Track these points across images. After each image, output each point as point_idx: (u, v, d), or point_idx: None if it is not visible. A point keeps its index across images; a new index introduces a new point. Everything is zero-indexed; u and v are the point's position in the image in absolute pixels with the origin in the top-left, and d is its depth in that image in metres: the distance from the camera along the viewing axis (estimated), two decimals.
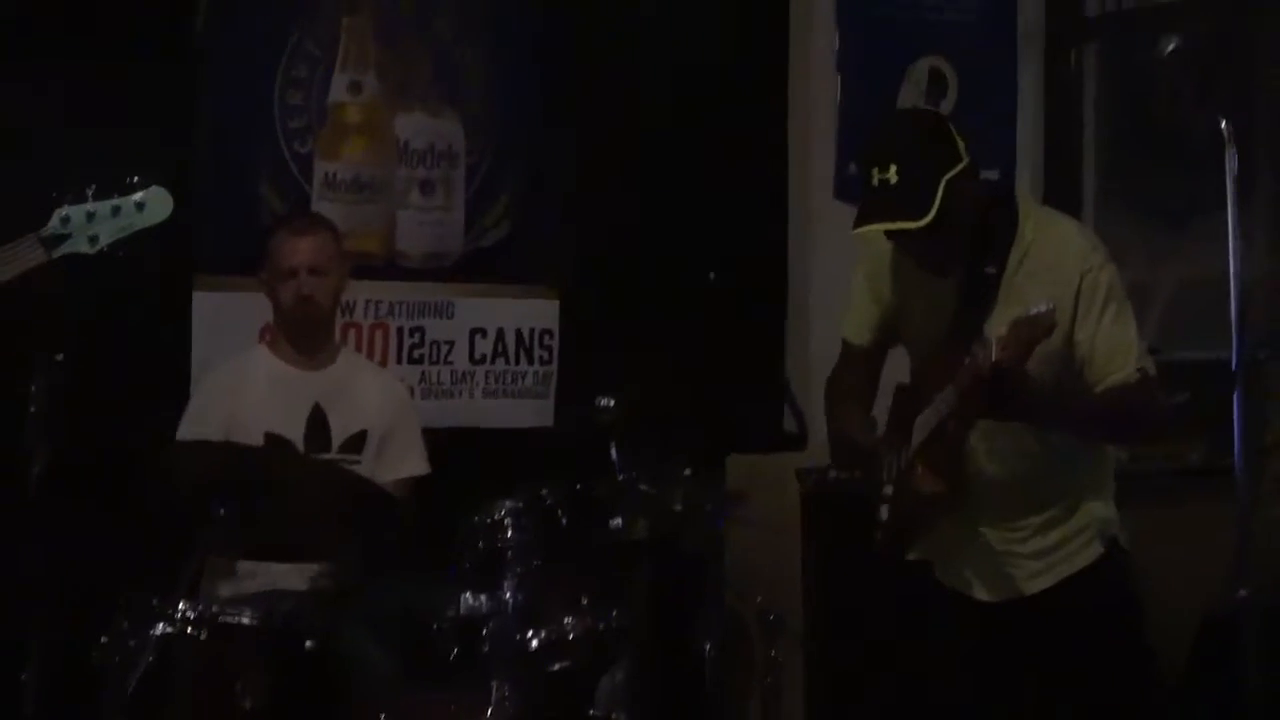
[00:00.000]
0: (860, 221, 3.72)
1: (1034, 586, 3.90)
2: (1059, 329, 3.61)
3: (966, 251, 3.84)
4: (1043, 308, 3.43)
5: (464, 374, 5.68)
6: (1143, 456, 5.28)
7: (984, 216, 3.84)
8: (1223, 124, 4.27)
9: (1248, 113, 6.24)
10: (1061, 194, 6.21)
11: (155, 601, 4.03)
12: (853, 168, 4.25)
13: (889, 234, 3.77)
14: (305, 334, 4.76)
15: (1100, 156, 6.41)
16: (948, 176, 3.65)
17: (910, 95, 6.10)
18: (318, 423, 4.74)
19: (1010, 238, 3.83)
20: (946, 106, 6.09)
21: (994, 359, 3.44)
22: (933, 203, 3.59)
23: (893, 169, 3.68)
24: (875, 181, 3.71)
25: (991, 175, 5.97)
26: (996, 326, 3.56)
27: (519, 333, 5.76)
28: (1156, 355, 5.76)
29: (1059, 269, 3.77)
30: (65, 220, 3.60)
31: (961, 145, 3.77)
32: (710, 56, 5.87)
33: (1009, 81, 6.28)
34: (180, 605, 4.02)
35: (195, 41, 5.31)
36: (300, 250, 4.69)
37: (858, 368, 4.18)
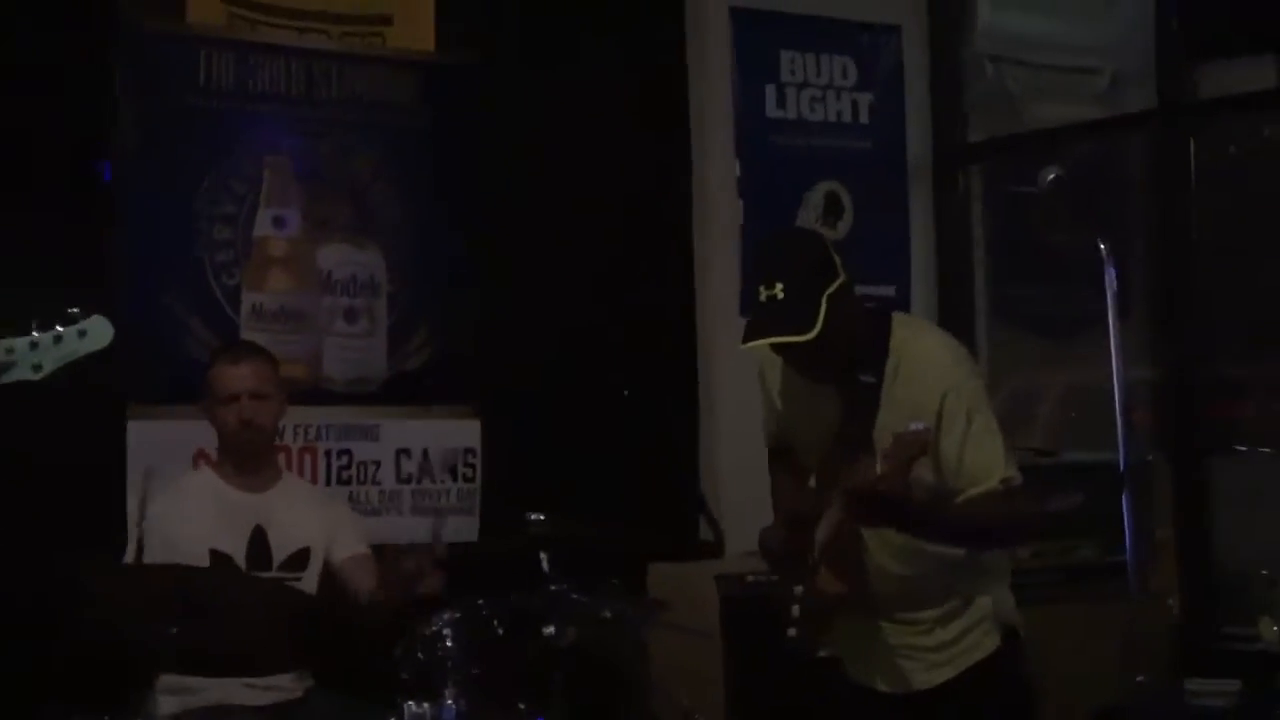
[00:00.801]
0: (749, 335, 3.77)
1: (936, 678, 3.93)
2: (929, 443, 3.71)
3: (845, 362, 3.86)
4: (918, 426, 3.56)
5: (391, 493, 5.66)
6: (1040, 554, 5.36)
7: (859, 329, 3.89)
8: (1101, 245, 4.44)
9: (1124, 232, 6.45)
10: (954, 308, 6.41)
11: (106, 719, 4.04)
12: None
13: (775, 347, 3.83)
14: (249, 456, 4.75)
15: (990, 272, 6.52)
16: (828, 292, 3.70)
17: (807, 217, 6.19)
18: (258, 543, 4.69)
19: (885, 349, 3.87)
20: (843, 228, 6.25)
21: (874, 478, 3.54)
22: (817, 317, 3.65)
23: (779, 286, 3.73)
24: (763, 298, 3.75)
25: (888, 291, 6.36)
26: (881, 432, 3.66)
27: (443, 453, 5.75)
28: (1050, 458, 5.92)
29: (927, 381, 3.82)
30: (9, 350, 3.50)
31: (838, 262, 3.83)
32: (617, 186, 5.92)
33: (901, 204, 6.38)
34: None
35: (109, 180, 5.31)
36: (240, 376, 4.70)
37: (777, 468, 4.24)
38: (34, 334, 3.53)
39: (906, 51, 6.38)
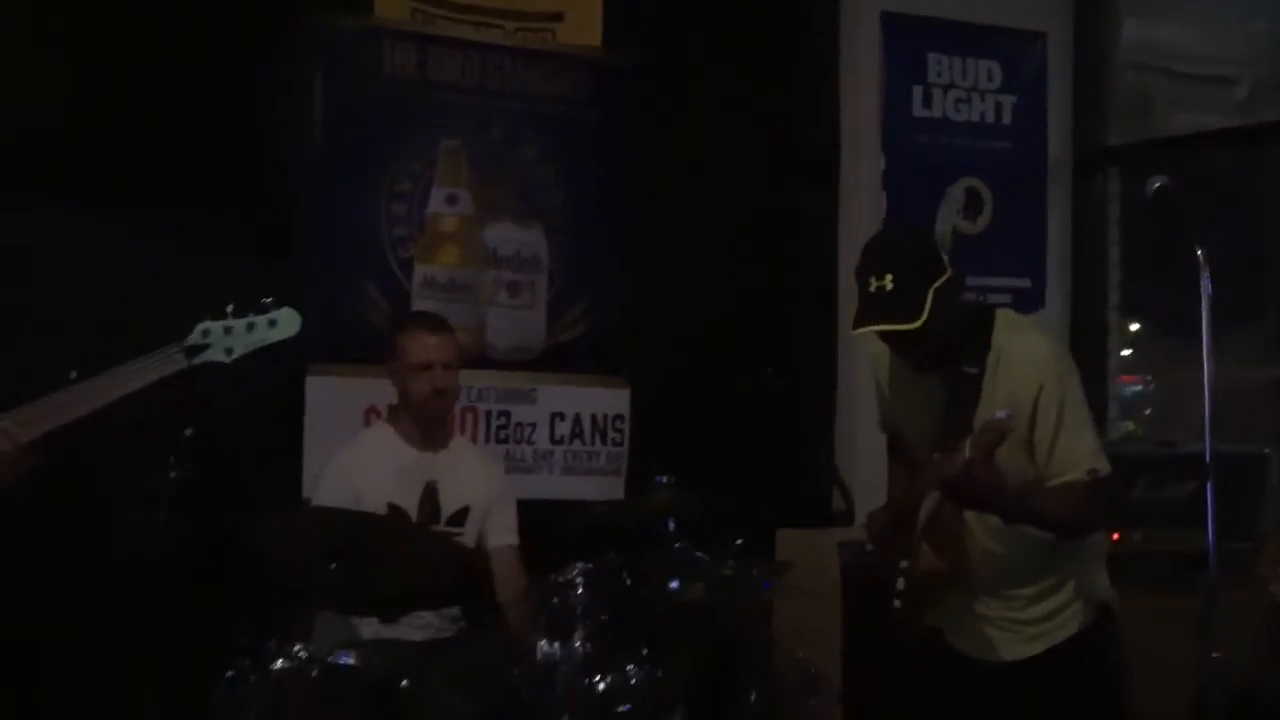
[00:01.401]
0: (859, 323, 3.74)
1: (1029, 651, 3.89)
2: (1021, 433, 3.69)
3: (950, 353, 3.84)
4: (1001, 415, 3.51)
5: (544, 453, 5.71)
6: (1150, 539, 5.22)
7: (964, 323, 3.86)
8: (1199, 252, 4.29)
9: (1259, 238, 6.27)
10: (1088, 303, 6.31)
11: (273, 645, 4.03)
12: None
13: (883, 335, 3.80)
14: (434, 421, 4.80)
15: (1124, 271, 6.37)
16: (935, 285, 3.68)
17: (948, 212, 6.12)
18: (429, 499, 4.72)
19: (987, 343, 3.83)
20: (982, 223, 6.16)
21: (964, 462, 3.50)
22: (924, 308, 3.63)
23: (888, 278, 3.70)
24: (873, 288, 3.72)
25: (1023, 284, 6.31)
26: (980, 421, 3.62)
27: (594, 417, 5.78)
28: (1170, 448, 5.74)
29: (1024, 375, 3.78)
30: (205, 333, 3.64)
31: (945, 259, 3.82)
32: (767, 176, 5.90)
33: (1039, 202, 6.27)
34: (297, 647, 4.05)
35: (316, 159, 5.37)
36: (436, 346, 4.74)
37: (892, 456, 4.22)
38: (229, 320, 3.62)
39: (1051, 57, 6.25)
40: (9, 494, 3.64)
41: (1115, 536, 4.96)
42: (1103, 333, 6.23)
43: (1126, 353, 7.04)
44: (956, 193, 6.08)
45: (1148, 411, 7.28)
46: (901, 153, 6.06)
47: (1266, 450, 5.67)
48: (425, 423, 4.80)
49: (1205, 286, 3.93)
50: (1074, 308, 6.26)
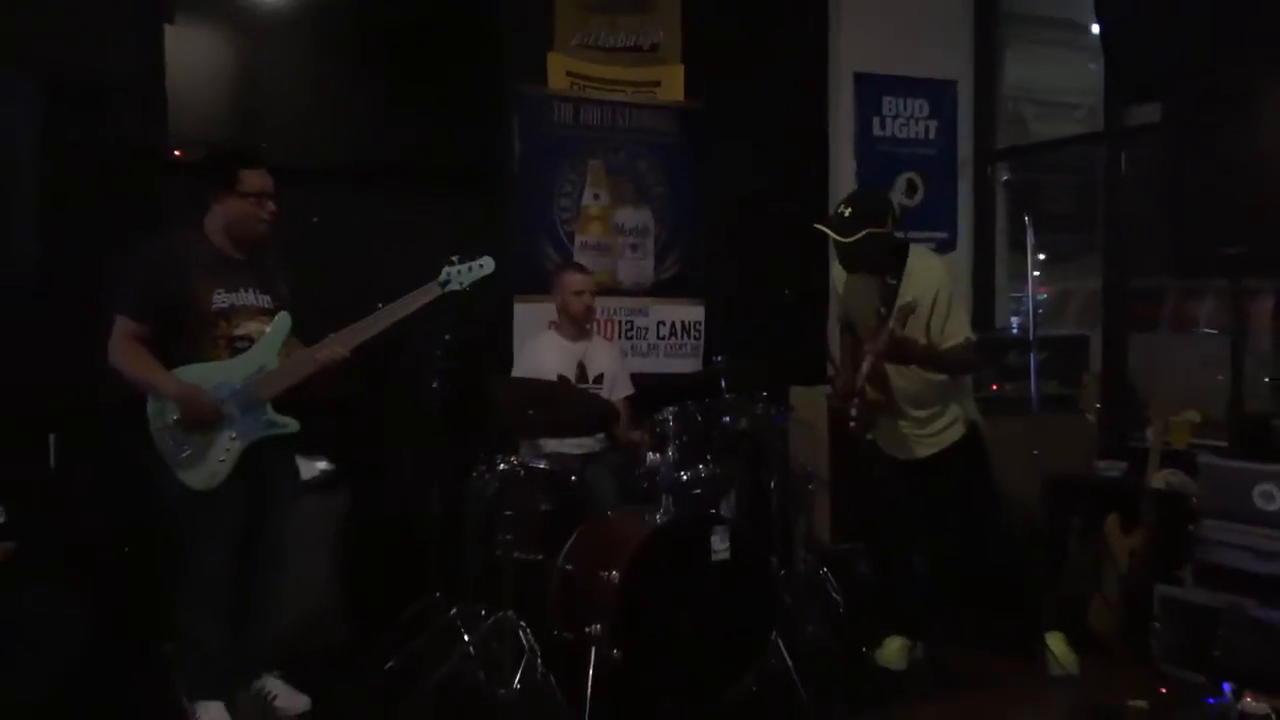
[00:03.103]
0: (819, 223, 4.02)
1: (928, 450, 4.19)
2: (924, 318, 3.93)
3: (876, 268, 4.03)
4: (907, 299, 3.79)
5: (652, 345, 5.77)
6: (1017, 388, 5.16)
7: (892, 253, 4.07)
8: (1025, 217, 4.53)
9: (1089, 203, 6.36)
10: (982, 247, 6.27)
11: (499, 457, 4.30)
12: None
13: (829, 237, 3.98)
14: (581, 325, 4.90)
15: (1005, 225, 6.29)
16: (870, 228, 3.93)
17: (896, 193, 6.11)
18: (580, 370, 4.84)
19: (903, 264, 4.04)
20: (917, 199, 6.19)
21: (888, 333, 3.80)
22: (854, 236, 3.92)
23: (847, 210, 4.00)
24: (836, 210, 4.04)
25: (943, 236, 6.25)
26: (897, 312, 3.79)
27: (683, 324, 5.83)
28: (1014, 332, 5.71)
29: (926, 284, 3.98)
30: (448, 274, 3.80)
31: (890, 217, 4.04)
32: (784, 172, 5.90)
33: (952, 185, 6.27)
34: (512, 458, 4.31)
35: (515, 173, 5.42)
36: (585, 282, 4.89)
37: (843, 336, 4.45)
38: (459, 264, 3.84)
39: (960, 95, 6.22)
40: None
41: (995, 386, 5.25)
42: (990, 265, 6.20)
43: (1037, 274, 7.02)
44: (901, 181, 6.15)
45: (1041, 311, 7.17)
46: (867, 157, 6.09)
47: (1088, 333, 5.80)
48: (576, 325, 4.87)
49: (1030, 236, 4.34)
50: (974, 250, 6.28)
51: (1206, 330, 5.92)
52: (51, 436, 4.26)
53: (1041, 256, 6.74)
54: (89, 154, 4.35)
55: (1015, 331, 6.16)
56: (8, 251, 4.09)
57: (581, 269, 5.06)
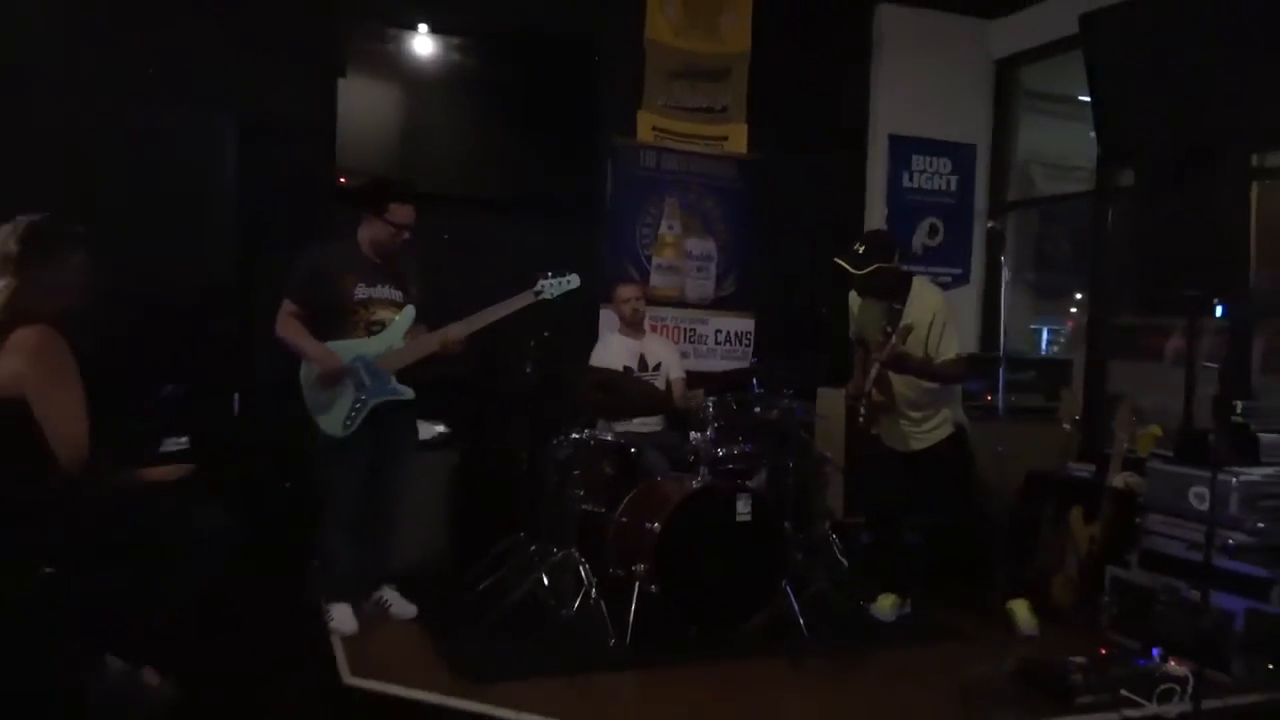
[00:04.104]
0: (837, 257, 3.98)
1: (922, 444, 4.18)
2: (923, 338, 3.96)
3: (884, 294, 4.02)
4: (906, 322, 3.85)
5: (711, 349, 5.77)
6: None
7: (897, 283, 4.07)
8: (1001, 259, 4.44)
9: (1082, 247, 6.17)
10: (991, 283, 6.14)
11: (575, 430, 4.34)
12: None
13: (843, 269, 3.95)
14: (636, 326, 4.95)
15: (1012, 264, 6.07)
16: (880, 263, 3.95)
17: (920, 235, 6.08)
18: (641, 360, 4.90)
19: (907, 293, 4.06)
20: (938, 240, 6.11)
21: (891, 345, 3.84)
22: (865, 269, 3.93)
23: (863, 247, 4.00)
24: (853, 248, 4.00)
25: (959, 272, 6.21)
26: (900, 331, 3.84)
27: (736, 332, 5.84)
28: (995, 353, 5.42)
29: (925, 309, 4.01)
30: (541, 284, 3.91)
31: (896, 253, 4.03)
32: (828, 217, 5.81)
33: (969, 230, 6.22)
34: (584, 431, 4.36)
35: (603, 211, 5.46)
36: (632, 292, 4.95)
37: (856, 349, 4.40)
38: (551, 278, 3.94)
39: (978, 156, 6.15)
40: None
41: (989, 397, 5.06)
42: (997, 299, 5.41)
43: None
44: (924, 225, 6.11)
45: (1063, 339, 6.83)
46: (897, 204, 6.05)
47: (1072, 357, 5.74)
48: (631, 327, 4.91)
49: (1005, 274, 4.18)
50: (984, 285, 6.19)
51: (1208, 364, 5.63)
52: (235, 395, 4.47)
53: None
54: (274, 180, 4.49)
55: (1030, 354, 6.09)
56: (213, 254, 4.33)
57: (632, 281, 5.11)
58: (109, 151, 4.26)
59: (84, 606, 2.59)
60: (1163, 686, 3.39)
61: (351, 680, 3.35)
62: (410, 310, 3.91)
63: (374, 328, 3.86)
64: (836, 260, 3.99)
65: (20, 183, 4.03)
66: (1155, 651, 3.68)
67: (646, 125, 5.59)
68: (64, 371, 2.58)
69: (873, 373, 3.94)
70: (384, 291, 3.91)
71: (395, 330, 3.88)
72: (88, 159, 4.21)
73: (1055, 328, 6.87)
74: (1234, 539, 3.73)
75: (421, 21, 5.04)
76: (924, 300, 4.06)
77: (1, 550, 2.56)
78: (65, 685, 2.59)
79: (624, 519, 4.14)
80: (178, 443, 2.96)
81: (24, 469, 2.54)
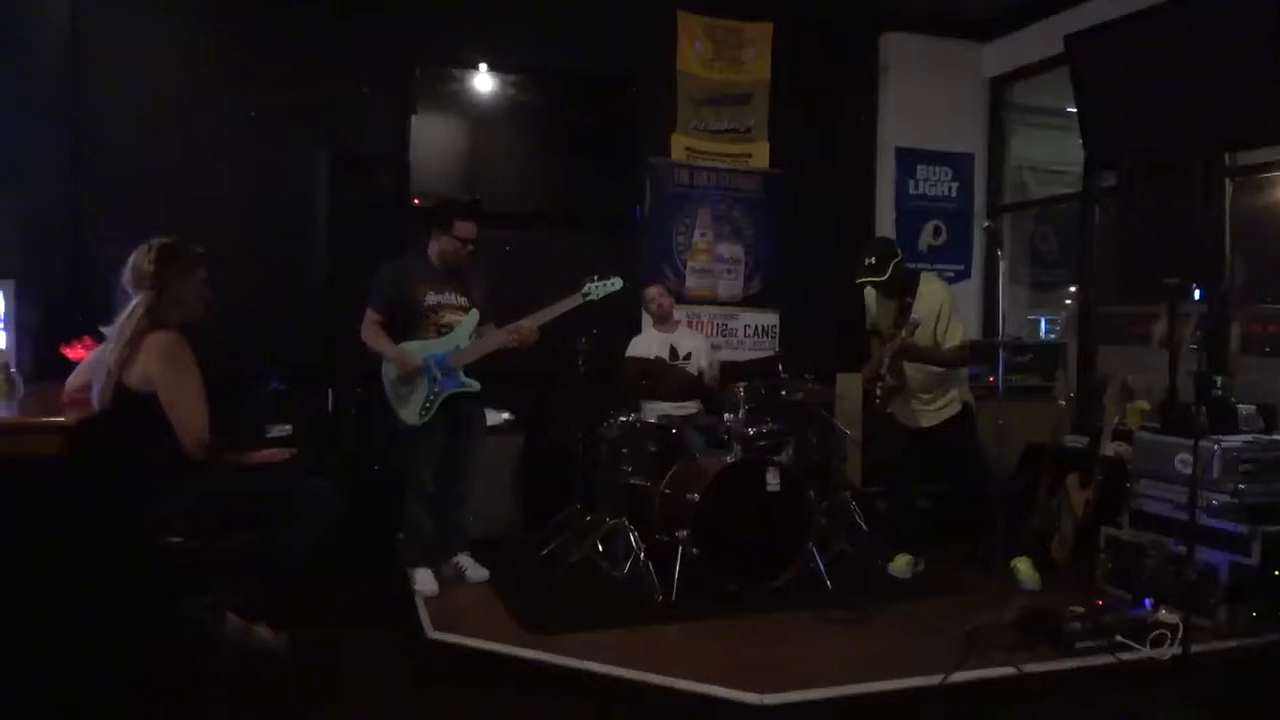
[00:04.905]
0: (857, 277, 4.01)
1: (934, 421, 4.14)
2: (931, 327, 3.95)
3: (898, 290, 4.05)
4: (912, 317, 3.89)
5: (741, 340, 5.72)
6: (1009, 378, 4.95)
7: (905, 278, 4.05)
8: (998, 252, 4.47)
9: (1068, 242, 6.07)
10: (990, 277, 6.05)
11: (622, 414, 4.35)
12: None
13: (868, 283, 4.02)
14: (664, 319, 4.90)
15: (1009, 260, 5.93)
16: (894, 262, 3.96)
17: (925, 236, 6.01)
18: (673, 351, 4.83)
19: (915, 288, 4.05)
20: (941, 240, 6.03)
21: (901, 338, 3.87)
22: (887, 272, 3.94)
23: (872, 259, 3.98)
24: (864, 262, 3.98)
25: (960, 268, 6.08)
26: (910, 320, 3.88)
27: (762, 325, 5.77)
28: (995, 339, 5.31)
29: (932, 301, 4.00)
30: (588, 288, 3.90)
31: (899, 251, 4.01)
32: (839, 222, 5.74)
33: (969, 230, 6.12)
34: (630, 415, 4.37)
35: (643, 222, 5.40)
36: (659, 292, 4.90)
37: (871, 338, 4.32)
38: (597, 281, 3.92)
39: (976, 164, 6.07)
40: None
41: (990, 379, 4.96)
42: (995, 291, 5.76)
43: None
44: (929, 227, 6.04)
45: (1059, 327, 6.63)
46: (904, 209, 6.00)
47: (1065, 340, 5.67)
48: (661, 320, 4.87)
49: (1002, 267, 4.31)
50: (984, 279, 6.08)
51: (1190, 347, 5.52)
52: (329, 390, 4.53)
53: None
54: (359, 202, 4.50)
55: (1020, 339, 5.88)
56: (309, 268, 4.42)
57: (657, 282, 5.02)
58: (224, 183, 4.47)
59: (208, 570, 2.68)
60: (1155, 633, 3.38)
61: (434, 635, 3.40)
62: (474, 314, 3.92)
63: (443, 330, 3.88)
64: (861, 280, 3.96)
65: (151, 210, 4.27)
66: (1147, 602, 3.67)
67: (680, 146, 5.59)
68: (188, 370, 2.69)
69: (887, 359, 3.93)
70: (451, 298, 3.92)
71: (462, 331, 3.90)
72: (209, 191, 4.43)
73: (1052, 317, 6.77)
74: (1216, 500, 3.69)
75: (482, 62, 5.07)
76: (931, 293, 4.04)
77: (137, 521, 2.66)
78: (189, 637, 2.71)
79: (667, 491, 4.13)
80: (282, 430, 3.01)
81: (156, 452, 2.65)
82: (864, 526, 4.74)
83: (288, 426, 3.12)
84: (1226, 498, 3.69)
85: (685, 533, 3.83)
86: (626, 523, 4.11)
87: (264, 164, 4.66)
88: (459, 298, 3.95)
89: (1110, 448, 4.30)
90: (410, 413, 3.83)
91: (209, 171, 4.59)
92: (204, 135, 4.63)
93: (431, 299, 3.88)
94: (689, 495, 3.89)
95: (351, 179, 4.41)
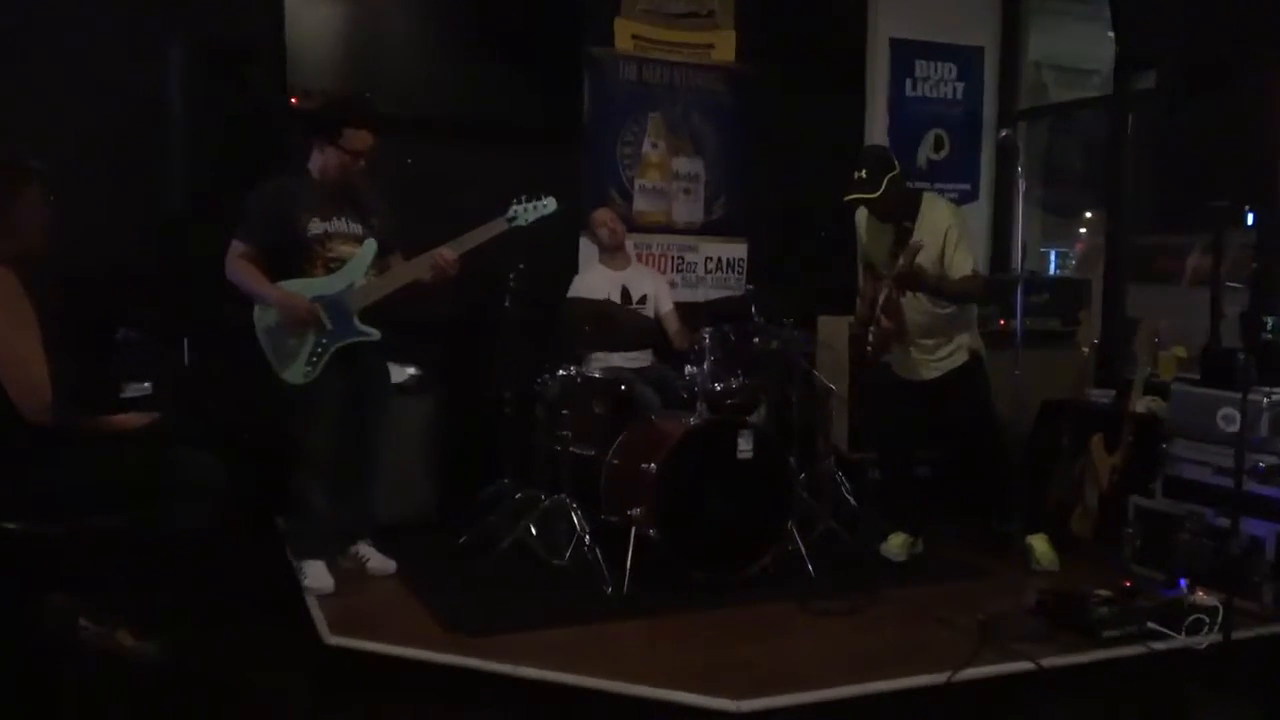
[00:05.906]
0: (846, 194, 4.05)
1: (934, 373, 4.25)
2: (937, 253, 4.00)
3: (895, 213, 4.12)
4: (915, 239, 3.94)
5: (701, 276, 5.80)
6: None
7: (905, 199, 4.12)
8: (1018, 169, 4.52)
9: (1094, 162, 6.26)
10: (1003, 198, 6.17)
11: (561, 367, 4.46)
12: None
13: (860, 201, 4.05)
14: (616, 254, 5.04)
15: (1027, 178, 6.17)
16: (889, 176, 4.00)
17: (924, 148, 6.09)
18: (625, 293, 4.95)
19: (916, 209, 4.12)
20: (943, 154, 6.12)
21: (900, 265, 3.93)
22: (880, 187, 3.97)
23: (863, 171, 4.02)
24: (855, 176, 4.03)
25: (966, 188, 6.21)
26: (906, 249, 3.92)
27: (728, 259, 5.85)
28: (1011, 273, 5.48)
29: (936, 225, 4.06)
30: (514, 211, 3.91)
31: (896, 164, 4.09)
32: (824, 126, 5.75)
33: (977, 141, 6.21)
34: (571, 369, 4.46)
35: (580, 130, 5.44)
36: (609, 216, 5.06)
37: (864, 273, 4.47)
38: (524, 203, 3.93)
39: (986, 60, 6.12)
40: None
41: (1002, 322, 5.12)
42: (1009, 216, 5.98)
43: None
44: (929, 137, 6.10)
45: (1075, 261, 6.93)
46: (899, 115, 6.05)
47: (1089, 277, 5.74)
48: (611, 255, 4.97)
49: (1020, 185, 4.35)
50: (994, 201, 6.20)
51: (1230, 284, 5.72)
52: (184, 340, 4.44)
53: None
54: (225, 106, 4.45)
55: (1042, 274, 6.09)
56: (165, 189, 4.37)
57: (608, 205, 5.13)
58: (54, 86, 4.25)
59: (61, 564, 2.65)
60: (1191, 618, 3.48)
61: (334, 640, 3.40)
62: (371, 244, 3.88)
63: (332, 265, 3.84)
64: (850, 197, 4.02)
65: None
66: (1182, 582, 3.75)
67: (625, 34, 5.55)
68: (22, 316, 2.63)
69: (881, 297, 4.00)
70: (342, 225, 3.89)
71: (356, 266, 3.86)
72: (33, 97, 4.23)
73: (1064, 250, 6.90)
74: (1265, 461, 3.79)
75: None
76: (936, 216, 4.10)
77: None
78: (34, 650, 2.70)
79: (617, 461, 4.20)
80: (140, 389, 2.99)
81: None
82: (853, 500, 4.84)
83: (147, 384, 3.09)
84: (1276, 459, 3.79)
85: (640, 511, 3.90)
86: (567, 500, 4.16)
87: (103, 60, 4.49)
88: (352, 225, 3.92)
89: (1141, 402, 4.44)
90: (294, 370, 3.82)
91: (34, 72, 4.42)
92: (25, 26, 4.42)
93: (317, 227, 3.84)
94: (644, 466, 3.96)
95: (214, 76, 4.37)
